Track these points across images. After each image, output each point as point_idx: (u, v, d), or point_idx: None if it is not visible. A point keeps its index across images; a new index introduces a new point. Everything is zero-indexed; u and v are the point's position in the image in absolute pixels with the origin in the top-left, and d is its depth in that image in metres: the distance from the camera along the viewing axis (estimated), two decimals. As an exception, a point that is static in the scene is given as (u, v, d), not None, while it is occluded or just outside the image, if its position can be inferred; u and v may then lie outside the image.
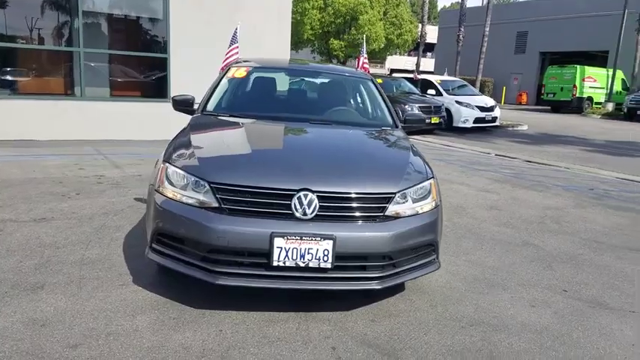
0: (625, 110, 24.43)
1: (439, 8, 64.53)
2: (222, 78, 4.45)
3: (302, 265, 2.78)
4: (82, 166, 7.12)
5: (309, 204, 2.82)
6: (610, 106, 26.63)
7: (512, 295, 3.60)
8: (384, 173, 3.20)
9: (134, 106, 10.10)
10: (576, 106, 27.55)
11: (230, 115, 4.06)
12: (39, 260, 3.67)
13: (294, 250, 2.76)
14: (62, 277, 3.39)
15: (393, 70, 46.54)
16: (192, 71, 10.05)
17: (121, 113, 9.78)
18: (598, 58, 33.54)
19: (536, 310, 3.37)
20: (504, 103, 34.63)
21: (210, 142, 3.51)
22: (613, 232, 5.45)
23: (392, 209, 2.96)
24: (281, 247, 2.75)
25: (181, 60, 10.11)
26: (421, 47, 28.20)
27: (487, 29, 25.13)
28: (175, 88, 10.02)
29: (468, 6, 30.62)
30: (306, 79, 4.85)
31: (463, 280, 3.81)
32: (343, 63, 25.56)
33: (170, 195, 2.99)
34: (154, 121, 9.69)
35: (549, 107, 29.31)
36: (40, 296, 3.10)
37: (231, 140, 3.60)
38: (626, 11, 26.36)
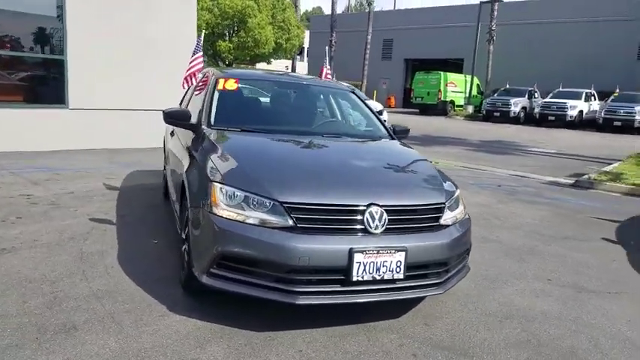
0: (484, 112, 27.46)
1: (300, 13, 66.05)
2: (213, 90, 4.28)
3: (378, 278, 2.86)
4: (-2, 185, 6.28)
5: (380, 218, 2.91)
6: (470, 109, 29.71)
7: (514, 288, 4.01)
8: (428, 185, 3.38)
9: (24, 113, 9.03)
10: (441, 108, 30.31)
11: (242, 130, 3.95)
12: (44, 298, 3.25)
13: (371, 264, 2.83)
14: (89, 315, 3.05)
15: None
16: (97, 74, 9.33)
17: (9, 121, 8.71)
18: (452, 65, 37.07)
19: (542, 299, 3.81)
20: (376, 105, 36.77)
21: (255, 160, 3.39)
22: (544, 224, 6.23)
23: (443, 218, 3.17)
24: (360, 262, 2.80)
25: (82, 62, 9.30)
26: (295, 52, 28.92)
27: (369, 37, 26.54)
28: (76, 93, 9.22)
29: (328, 12, 31.89)
30: (297, 91, 4.85)
31: (466, 277, 4.13)
32: (229, 65, 25.22)
33: (233, 217, 2.87)
34: (51, 130, 8.84)
35: (417, 110, 31.82)
36: (81, 338, 2.78)
37: (274, 157, 3.54)
38: (480, 24, 29.63)
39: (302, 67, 44.57)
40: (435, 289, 3.09)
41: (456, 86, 31.20)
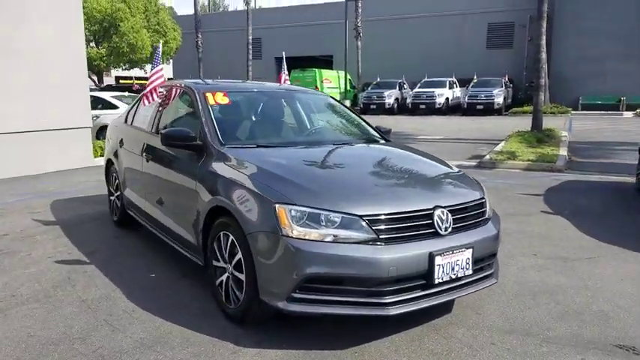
0: (361, 106, 28.81)
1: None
2: (206, 106, 4.04)
3: (453, 277, 2.99)
4: None
5: (447, 219, 3.03)
6: (347, 103, 30.93)
7: (516, 266, 4.38)
8: (465, 182, 3.57)
9: None
10: (320, 104, 31.14)
11: (258, 146, 3.79)
12: (89, 359, 2.86)
13: (448, 265, 2.95)
14: (157, 366, 2.77)
15: (119, 78, 43.99)
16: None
17: None
18: (322, 62, 38.22)
19: (545, 273, 4.22)
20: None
21: (306, 175, 3.28)
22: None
23: (487, 212, 3.38)
24: (439, 265, 2.91)
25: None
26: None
27: (250, 37, 26.30)
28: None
29: (181, 13, 31.27)
30: (287, 100, 4.74)
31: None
32: (98, 74, 23.05)
33: (310, 237, 2.80)
34: None
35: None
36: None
37: (319, 171, 3.49)
38: (348, 20, 30.96)
39: (167, 71, 42.78)
40: (492, 279, 3.31)
41: (330, 82, 32.26)
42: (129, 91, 16.05)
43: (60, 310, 3.53)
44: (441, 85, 27.47)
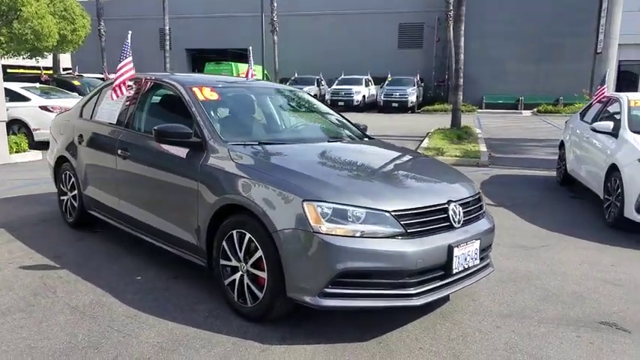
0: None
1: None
2: (196, 102, 3.92)
3: (466, 266, 3.21)
4: None
5: (459, 212, 3.23)
6: (265, 98, 30.81)
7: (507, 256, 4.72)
8: (461, 178, 3.79)
9: None
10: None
11: (260, 143, 3.76)
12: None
13: (462, 255, 3.16)
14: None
15: (6, 68, 40.20)
16: None
17: None
18: (235, 55, 37.59)
19: (513, 261, 4.59)
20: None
21: (327, 172, 3.34)
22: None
23: (484, 206, 3.64)
24: (457, 256, 3.10)
25: None
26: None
27: (167, 27, 25.17)
28: None
29: None
30: (271, 97, 4.68)
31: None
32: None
33: (341, 232, 2.87)
34: None
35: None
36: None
37: (336, 168, 3.54)
38: (264, 14, 30.78)
39: (66, 62, 39.91)
40: (490, 268, 3.57)
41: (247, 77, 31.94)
42: (39, 82, 14.75)
43: (52, 318, 3.30)
44: (358, 82, 28.19)
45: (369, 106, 27.77)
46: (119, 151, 4.34)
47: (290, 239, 2.94)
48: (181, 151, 3.75)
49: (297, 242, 2.92)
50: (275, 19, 32.19)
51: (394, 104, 25.93)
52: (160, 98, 4.51)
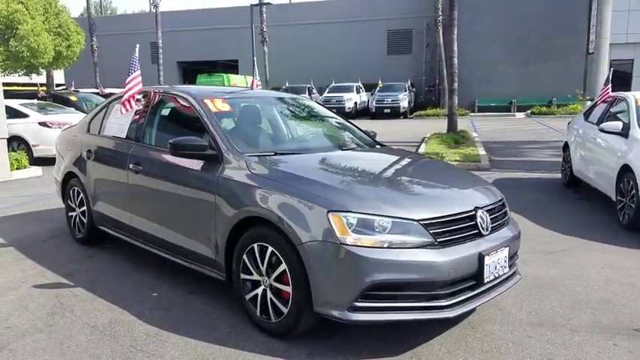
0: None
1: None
2: (209, 113, 3.85)
3: (496, 275, 3.14)
4: None
5: (487, 219, 3.17)
6: (257, 107, 30.77)
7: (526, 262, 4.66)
8: (484, 184, 3.73)
9: None
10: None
11: (275, 154, 3.68)
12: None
13: (492, 264, 3.09)
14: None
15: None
16: None
17: None
18: (225, 67, 37.53)
19: (534, 266, 4.52)
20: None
21: (349, 183, 3.24)
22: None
23: (508, 212, 3.58)
24: (488, 264, 3.03)
25: None
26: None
27: (160, 41, 25.16)
28: None
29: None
30: (279, 107, 4.62)
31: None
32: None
33: (369, 244, 2.78)
34: None
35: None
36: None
37: (356, 177, 3.46)
38: (254, 26, 30.79)
39: (59, 78, 39.68)
40: (518, 276, 3.50)
41: (238, 87, 31.89)
42: (37, 99, 14.61)
43: (73, 339, 3.19)
44: (349, 89, 28.19)
45: (361, 112, 27.78)
46: (131, 166, 4.24)
47: (316, 252, 2.85)
48: (196, 164, 3.67)
49: (324, 255, 2.83)
50: (265, 29, 32.23)
51: (386, 110, 25.95)
52: (170, 111, 4.43)
